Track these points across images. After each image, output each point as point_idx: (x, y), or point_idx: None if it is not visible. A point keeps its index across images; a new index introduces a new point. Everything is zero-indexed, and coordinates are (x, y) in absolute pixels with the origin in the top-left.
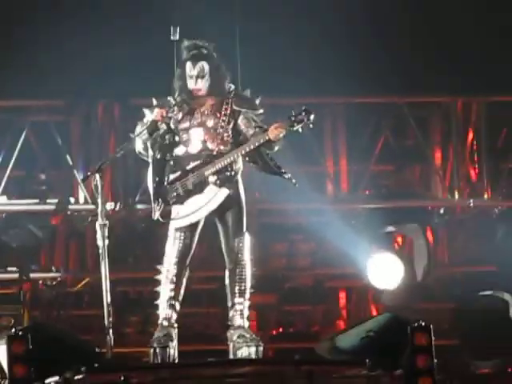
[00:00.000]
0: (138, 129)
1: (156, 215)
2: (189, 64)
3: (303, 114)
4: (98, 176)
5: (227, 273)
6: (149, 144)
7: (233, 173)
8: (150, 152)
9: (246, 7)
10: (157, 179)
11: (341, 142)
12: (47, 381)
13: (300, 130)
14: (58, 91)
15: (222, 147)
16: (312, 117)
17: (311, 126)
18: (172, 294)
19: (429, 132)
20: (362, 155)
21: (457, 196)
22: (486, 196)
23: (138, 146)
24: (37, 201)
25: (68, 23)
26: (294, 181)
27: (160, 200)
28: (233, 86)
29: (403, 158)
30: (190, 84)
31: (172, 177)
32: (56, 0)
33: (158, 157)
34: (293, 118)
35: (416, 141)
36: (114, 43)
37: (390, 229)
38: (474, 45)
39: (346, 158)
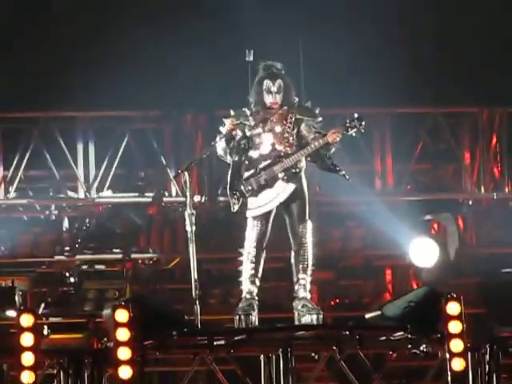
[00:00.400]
0: (218, 137)
1: (235, 208)
2: (267, 81)
3: (356, 121)
4: (186, 174)
5: (292, 253)
6: (227, 150)
7: (297, 170)
8: (229, 156)
9: (305, 29)
10: (235, 177)
11: (387, 145)
12: (145, 342)
13: (354, 134)
14: (153, 102)
15: (288, 149)
16: (363, 123)
17: (363, 130)
18: (253, 272)
19: (459, 137)
20: (405, 156)
21: (483, 190)
22: (506, 190)
23: (219, 151)
24: (136, 194)
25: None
26: (347, 177)
27: (237, 194)
28: (297, 98)
29: (438, 159)
30: (269, 98)
31: (247, 174)
32: (157, 18)
33: (236, 159)
34: (347, 125)
35: (449, 144)
36: (202, 62)
37: (428, 217)
38: (497, 61)
39: (391, 158)
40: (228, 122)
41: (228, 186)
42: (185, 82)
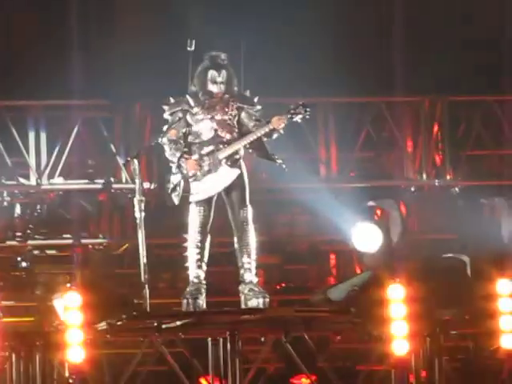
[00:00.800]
0: (165, 127)
1: (176, 201)
2: (212, 72)
3: (301, 107)
4: (136, 161)
5: (235, 239)
6: (172, 152)
7: (238, 156)
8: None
9: (248, 15)
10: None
11: (331, 133)
12: (95, 326)
13: (299, 120)
14: (103, 91)
15: (230, 135)
16: (308, 109)
17: (308, 117)
18: (198, 256)
19: (402, 125)
20: (349, 144)
21: (425, 177)
22: (448, 177)
23: (167, 156)
24: (87, 181)
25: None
26: (284, 166)
27: (177, 188)
28: (236, 87)
29: (381, 147)
30: (214, 88)
31: (190, 159)
32: (107, 6)
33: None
34: (292, 111)
35: (391, 132)
36: (150, 51)
37: (371, 203)
38: (438, 49)
39: (335, 146)
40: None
41: (169, 184)
42: (133, 72)
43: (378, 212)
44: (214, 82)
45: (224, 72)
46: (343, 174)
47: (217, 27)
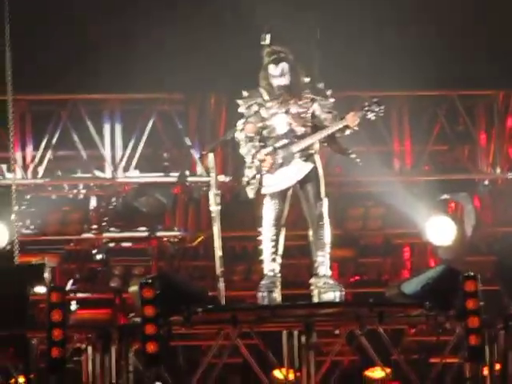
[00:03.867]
0: (240, 122)
1: (251, 195)
2: (271, 66)
3: (375, 104)
4: (211, 154)
5: (310, 232)
6: (247, 151)
7: (313, 151)
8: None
9: (321, 14)
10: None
11: (405, 126)
12: (171, 318)
13: (372, 117)
14: (178, 85)
15: (303, 129)
16: (382, 107)
17: (381, 114)
18: (273, 250)
19: (475, 119)
20: (422, 137)
21: (498, 170)
22: None
23: (242, 152)
24: (162, 174)
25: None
26: (358, 160)
27: (252, 181)
28: (308, 79)
29: (455, 140)
30: (275, 82)
31: (264, 153)
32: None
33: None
34: (366, 108)
35: (465, 126)
36: (224, 46)
37: (445, 197)
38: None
39: (409, 140)
40: (242, 124)
41: (244, 178)
42: (208, 65)
43: (452, 205)
44: (274, 76)
45: (283, 64)
46: (417, 167)
47: (289, 21)
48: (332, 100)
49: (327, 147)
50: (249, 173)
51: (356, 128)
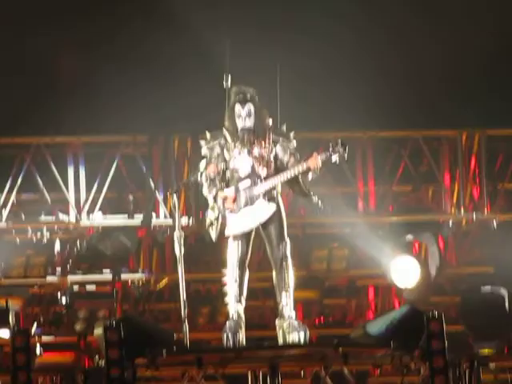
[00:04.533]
0: (202, 163)
1: (214, 237)
2: (238, 106)
3: (339, 146)
4: (175, 196)
5: (274, 274)
6: (209, 190)
7: (275, 192)
8: (211, 196)
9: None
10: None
11: (369, 167)
12: (136, 361)
13: (337, 160)
14: (141, 128)
15: (266, 171)
16: (347, 149)
17: (345, 157)
18: (237, 291)
19: (439, 159)
20: (387, 178)
21: (462, 211)
22: (486, 211)
23: (204, 192)
24: (126, 216)
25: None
26: (320, 204)
27: (215, 223)
28: (271, 121)
29: (419, 180)
30: (240, 123)
31: (226, 191)
32: (143, 46)
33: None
34: (331, 150)
35: (429, 166)
36: (187, 88)
37: (409, 237)
38: (476, 84)
39: (373, 180)
40: (211, 168)
41: (207, 220)
42: (171, 106)
43: (416, 246)
44: (239, 116)
45: (249, 105)
46: (381, 207)
47: (249, 61)
48: (294, 142)
49: (289, 189)
50: (211, 215)
51: (318, 172)
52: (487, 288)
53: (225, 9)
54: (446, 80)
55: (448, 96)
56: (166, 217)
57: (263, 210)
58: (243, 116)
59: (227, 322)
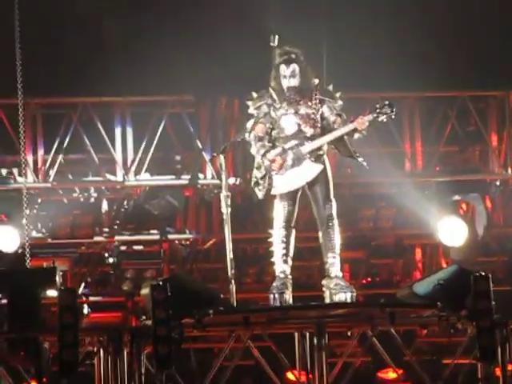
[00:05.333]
0: (250, 123)
1: (260, 196)
2: (283, 66)
3: (386, 107)
4: (222, 157)
5: (320, 234)
6: (257, 150)
7: (322, 152)
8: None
9: (330, 15)
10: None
11: (416, 127)
12: (183, 321)
13: (384, 120)
14: (188, 88)
15: (313, 130)
16: (394, 109)
17: (393, 117)
18: (284, 251)
19: (487, 120)
20: (433, 138)
21: (510, 171)
22: None
23: (252, 151)
24: (173, 177)
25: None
26: (365, 163)
27: (261, 183)
28: (317, 81)
29: (466, 141)
30: (285, 83)
31: (273, 153)
32: (186, 7)
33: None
34: (378, 111)
35: (476, 127)
36: (235, 48)
37: (456, 197)
38: None
39: (420, 141)
40: (251, 125)
41: (253, 179)
42: (219, 67)
43: (464, 206)
44: (285, 77)
45: (294, 65)
46: (428, 168)
47: (297, 23)
48: (341, 102)
49: (334, 149)
50: (257, 174)
51: (365, 132)
52: None
53: None
54: (495, 39)
55: (496, 56)
56: (213, 177)
57: (310, 170)
58: (288, 76)
59: (274, 282)
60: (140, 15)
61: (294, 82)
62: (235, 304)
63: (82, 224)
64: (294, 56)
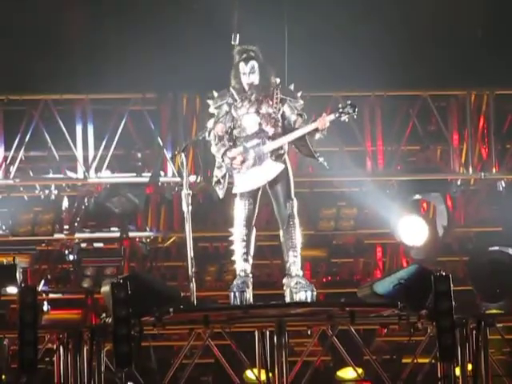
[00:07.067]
0: (210, 122)
1: (221, 194)
2: (242, 64)
3: (349, 107)
4: (183, 154)
5: (281, 232)
6: (217, 149)
7: (283, 151)
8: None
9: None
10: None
11: (377, 126)
12: (143, 319)
13: (346, 120)
14: (150, 85)
15: (274, 130)
16: (356, 109)
17: (355, 117)
18: (244, 250)
19: (448, 119)
20: (395, 137)
21: (471, 170)
22: (494, 170)
23: (212, 151)
24: (134, 174)
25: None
26: (325, 163)
27: (221, 181)
28: (279, 80)
29: (428, 140)
30: (244, 79)
31: (234, 152)
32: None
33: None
34: (340, 110)
35: (438, 126)
36: (196, 46)
37: (417, 197)
38: (485, 43)
39: (381, 140)
40: (212, 124)
41: (214, 178)
42: (181, 65)
43: (425, 205)
44: (244, 73)
45: (253, 62)
46: (390, 167)
47: (258, 19)
48: (302, 102)
49: (295, 149)
50: (218, 173)
51: (325, 133)
52: (495, 248)
53: None
54: (455, 39)
55: (457, 55)
56: (174, 175)
57: (271, 169)
58: (247, 73)
59: (234, 281)
60: (102, 13)
61: (254, 78)
62: (195, 302)
63: (43, 221)
64: (252, 54)
